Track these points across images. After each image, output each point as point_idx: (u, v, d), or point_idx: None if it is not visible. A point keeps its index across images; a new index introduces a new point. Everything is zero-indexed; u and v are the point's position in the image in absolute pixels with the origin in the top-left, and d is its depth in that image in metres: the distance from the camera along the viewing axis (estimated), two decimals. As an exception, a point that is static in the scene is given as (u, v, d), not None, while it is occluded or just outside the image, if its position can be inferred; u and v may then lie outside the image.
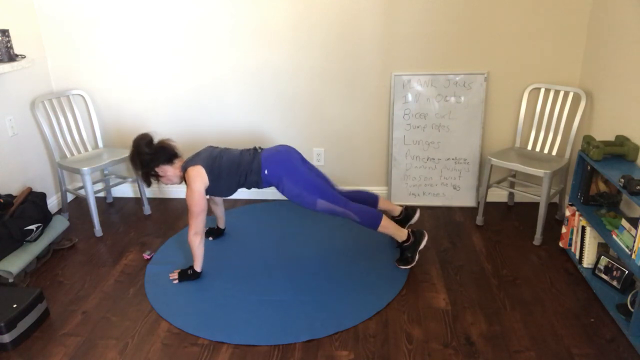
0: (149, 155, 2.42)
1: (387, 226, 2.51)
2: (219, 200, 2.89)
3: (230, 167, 2.44)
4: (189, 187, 2.39)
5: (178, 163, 2.51)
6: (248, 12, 3.05)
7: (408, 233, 2.57)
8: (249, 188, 2.51)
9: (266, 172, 2.43)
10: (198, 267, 2.52)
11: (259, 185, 2.49)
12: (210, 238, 2.94)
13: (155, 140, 2.49)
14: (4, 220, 2.54)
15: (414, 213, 2.82)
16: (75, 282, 2.61)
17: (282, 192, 2.45)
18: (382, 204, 2.78)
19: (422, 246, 2.58)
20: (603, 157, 2.41)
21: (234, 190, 2.52)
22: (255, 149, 2.54)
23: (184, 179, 2.50)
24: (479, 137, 3.17)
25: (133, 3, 3.09)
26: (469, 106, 3.12)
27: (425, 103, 3.15)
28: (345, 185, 3.45)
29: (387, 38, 3.04)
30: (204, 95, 3.29)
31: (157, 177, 2.49)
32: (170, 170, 2.48)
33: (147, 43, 3.19)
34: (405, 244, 2.58)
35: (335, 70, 3.15)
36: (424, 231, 2.61)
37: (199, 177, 2.39)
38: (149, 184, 2.50)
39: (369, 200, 2.74)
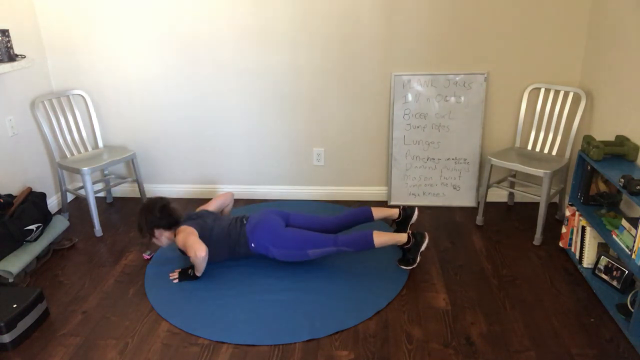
0: (156, 218, 2.57)
1: (382, 241, 2.50)
2: (227, 209, 2.97)
3: (219, 235, 2.57)
4: (178, 238, 2.52)
5: (174, 229, 2.63)
6: (248, 13, 3.05)
7: (408, 235, 2.56)
8: (238, 258, 2.68)
9: (253, 245, 2.54)
10: (199, 274, 2.54)
11: (248, 256, 2.64)
12: None
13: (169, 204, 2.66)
14: (4, 220, 2.54)
15: (413, 212, 2.82)
16: (75, 282, 2.61)
17: (273, 257, 2.55)
18: (377, 214, 2.75)
19: (423, 248, 2.57)
20: (603, 157, 2.41)
21: (224, 258, 2.62)
22: (241, 220, 2.61)
23: (173, 240, 2.65)
24: (479, 137, 3.17)
25: (133, 3, 3.09)
26: (469, 106, 3.12)
27: (425, 103, 3.15)
28: (345, 185, 3.45)
29: (387, 38, 3.04)
30: (204, 95, 3.29)
31: (152, 236, 2.62)
32: (165, 234, 2.63)
33: (147, 43, 3.19)
34: (406, 247, 2.57)
35: (335, 70, 3.15)
36: (425, 233, 2.60)
37: (188, 232, 2.50)
38: (143, 237, 2.67)
39: (363, 216, 2.74)
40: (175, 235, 2.59)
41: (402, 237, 2.54)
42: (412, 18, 2.98)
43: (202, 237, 2.52)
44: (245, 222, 2.61)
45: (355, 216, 2.74)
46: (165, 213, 2.59)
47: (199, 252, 2.40)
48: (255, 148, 3.40)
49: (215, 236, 2.56)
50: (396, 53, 3.08)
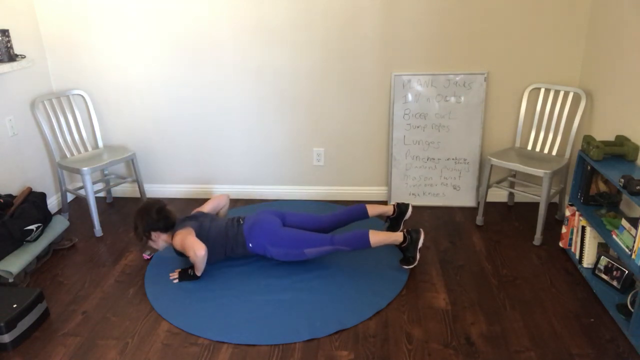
0: (154, 220, 2.56)
1: (378, 240, 2.51)
2: (222, 211, 2.94)
3: (217, 236, 2.58)
4: (175, 239, 2.51)
5: (171, 232, 2.63)
6: (248, 12, 3.05)
7: (403, 235, 2.56)
8: (235, 259, 2.70)
9: (251, 245, 2.56)
10: (199, 273, 2.54)
11: (246, 256, 2.67)
12: None
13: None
14: (4, 220, 2.54)
15: (407, 209, 2.82)
16: (75, 282, 2.61)
17: (271, 256, 2.57)
18: (372, 211, 2.77)
19: (420, 244, 2.56)
20: (603, 157, 2.41)
21: (221, 258, 2.64)
22: (238, 221, 2.63)
23: (170, 243, 2.64)
24: (479, 137, 3.17)
25: (133, 3, 3.09)
26: (469, 106, 3.12)
27: (425, 103, 3.15)
28: (345, 186, 3.45)
29: (387, 38, 3.04)
30: (204, 95, 3.29)
31: (149, 239, 2.61)
32: (162, 237, 2.63)
33: (147, 43, 3.19)
34: (403, 245, 2.57)
35: (335, 70, 3.15)
36: (420, 229, 2.59)
37: (186, 232, 2.50)
38: (140, 240, 2.64)
39: (359, 214, 2.75)
40: (172, 238, 2.58)
41: (398, 237, 2.54)
42: (412, 18, 2.98)
43: (200, 237, 2.53)
44: (242, 222, 2.63)
45: (350, 214, 2.74)
46: (162, 215, 2.59)
47: (198, 251, 2.40)
48: (255, 148, 3.40)
49: (213, 237, 2.56)
50: (396, 53, 3.08)
